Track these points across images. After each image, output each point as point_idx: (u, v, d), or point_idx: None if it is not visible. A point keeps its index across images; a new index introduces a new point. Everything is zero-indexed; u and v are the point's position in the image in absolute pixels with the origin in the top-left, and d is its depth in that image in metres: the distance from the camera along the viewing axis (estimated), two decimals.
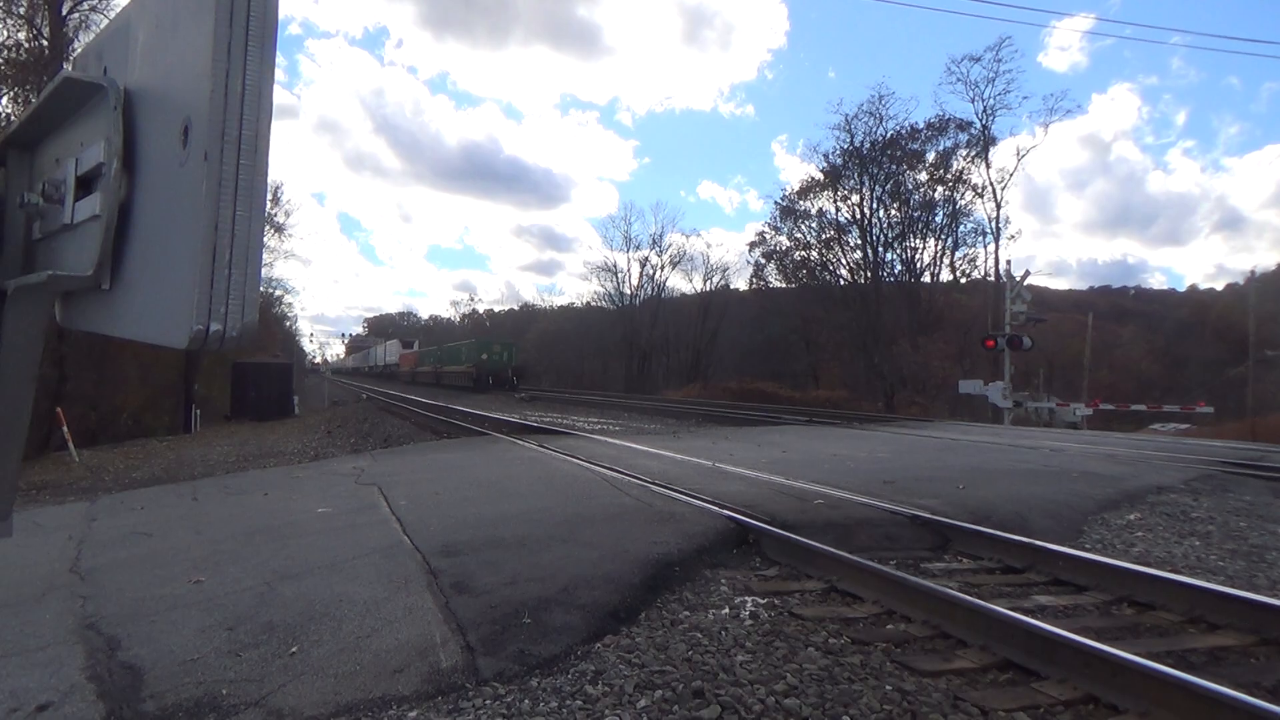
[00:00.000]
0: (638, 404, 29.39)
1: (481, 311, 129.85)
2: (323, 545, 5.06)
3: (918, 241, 40.79)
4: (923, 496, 6.60)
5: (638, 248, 70.53)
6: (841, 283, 43.37)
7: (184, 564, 4.85)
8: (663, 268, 62.47)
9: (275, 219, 44.64)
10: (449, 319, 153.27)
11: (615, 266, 65.05)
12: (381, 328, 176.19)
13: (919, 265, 40.71)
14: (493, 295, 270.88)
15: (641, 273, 61.90)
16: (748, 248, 57.69)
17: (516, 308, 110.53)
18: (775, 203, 49.92)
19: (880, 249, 41.26)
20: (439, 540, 5.03)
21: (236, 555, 4.95)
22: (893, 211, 41.43)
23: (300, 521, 5.93)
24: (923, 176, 40.70)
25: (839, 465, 8.46)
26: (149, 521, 6.40)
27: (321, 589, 4.12)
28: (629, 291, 61.50)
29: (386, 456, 10.77)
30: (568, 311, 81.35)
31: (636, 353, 58.11)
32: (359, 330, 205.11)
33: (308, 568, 4.53)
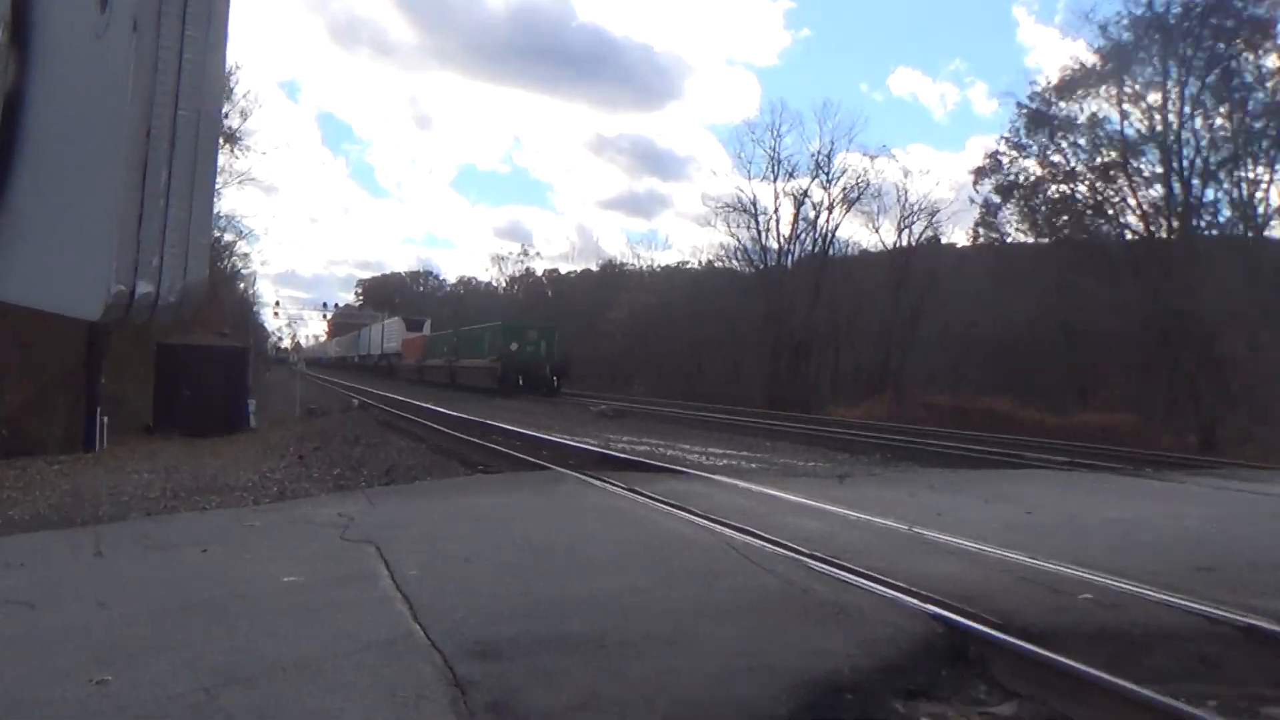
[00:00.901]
0: (787, 427, 28.78)
1: (540, 273, 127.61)
2: (290, 633, 5.08)
3: (1261, 170, 39.41)
4: (1265, 594, 6.36)
5: (791, 174, 69.98)
6: (1128, 236, 42.09)
7: (82, 652, 4.88)
8: (831, 207, 60.23)
9: (227, 123, 45.62)
10: (489, 283, 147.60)
11: (754, 204, 64.17)
12: (384, 295, 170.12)
13: (1264, 210, 39.36)
14: (557, 247, 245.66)
15: (797, 215, 61.64)
16: (972, 177, 57.01)
17: (595, 267, 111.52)
18: (1018, 105, 48.26)
19: (1196, 181, 40.19)
20: (469, 633, 5.06)
21: (160, 643, 4.98)
22: (1218, 121, 40.24)
23: (256, 595, 5.96)
24: (1272, 62, 39.16)
25: (1120, 537, 8.31)
26: (32, 585, 6.46)
27: (288, 702, 4.13)
28: (776, 244, 60.28)
29: (389, 498, 10.74)
30: (676, 276, 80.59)
31: (785, 343, 58.23)
32: (350, 299, 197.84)
33: (266, 667, 4.57)
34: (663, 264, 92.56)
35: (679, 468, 15.63)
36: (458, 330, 72.31)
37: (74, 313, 1.22)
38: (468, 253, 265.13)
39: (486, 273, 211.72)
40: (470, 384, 59.90)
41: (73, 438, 26.71)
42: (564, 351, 56.93)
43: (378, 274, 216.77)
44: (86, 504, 13.60)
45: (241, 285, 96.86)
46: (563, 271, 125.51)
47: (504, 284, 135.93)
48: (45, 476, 17.14)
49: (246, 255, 77.11)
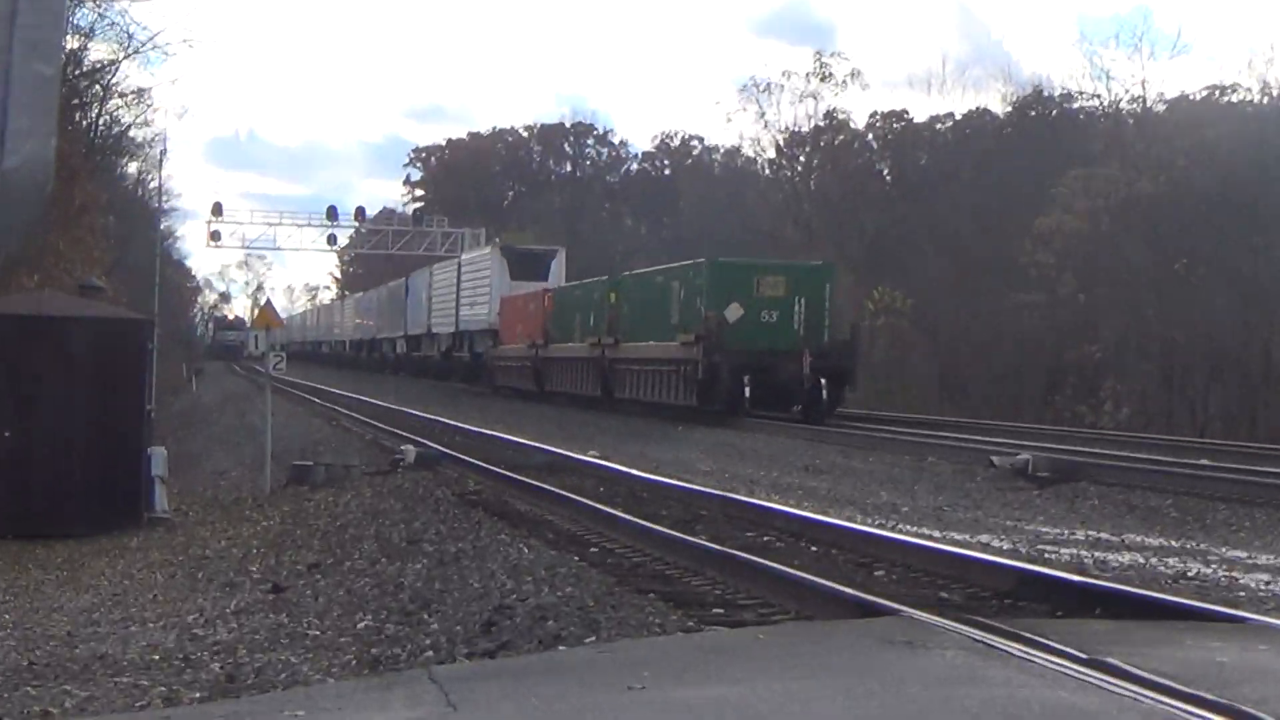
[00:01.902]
0: None
1: (863, 123, 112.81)
2: None
3: None
4: None
5: None
6: None
7: None
8: None
9: None
10: (735, 152, 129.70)
11: None
12: (471, 189, 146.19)
13: None
14: (901, 60, 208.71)
15: None
16: None
17: (1000, 107, 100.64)
18: None
19: None
20: None
21: None
22: None
23: None
24: None
25: None
26: None
27: None
28: None
29: (495, 695, 11.56)
30: (1207, 125, 72.21)
31: None
32: (390, 197, 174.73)
33: None
34: (1169, 94, 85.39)
35: (1217, 607, 14.73)
36: (618, 280, 69.82)
37: None
38: (673, 79, 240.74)
39: (728, 125, 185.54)
40: (641, 394, 61.14)
41: None
42: (847, 322, 58.09)
43: (458, 135, 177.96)
44: None
45: (134, 168, 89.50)
46: (915, 119, 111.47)
47: (771, 155, 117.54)
48: None
49: (142, 95, 73.16)
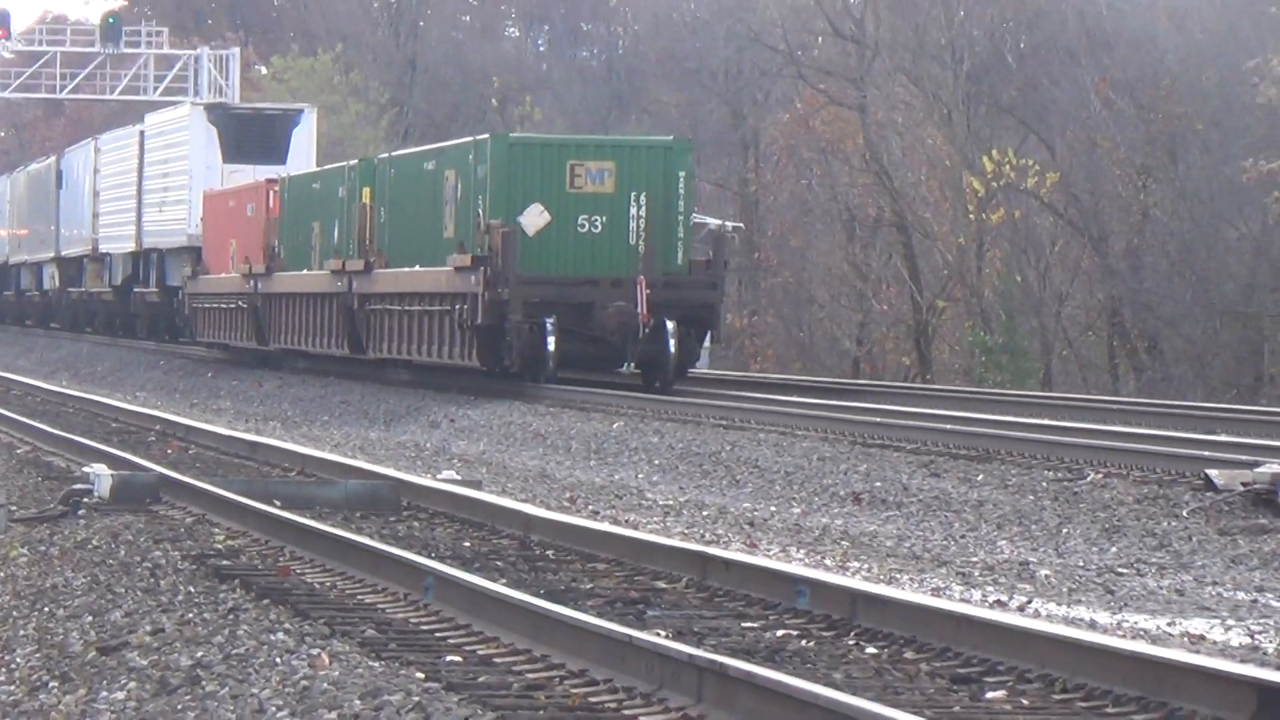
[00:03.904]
0: None
1: None
2: None
3: None
4: None
5: None
6: None
7: None
8: None
9: None
10: None
11: None
12: None
13: None
14: None
15: None
16: None
17: None
18: None
19: None
20: None
21: None
22: None
23: None
24: None
25: None
26: None
27: None
28: None
29: None
30: None
31: None
32: None
33: None
34: None
35: None
36: (373, 166, 54.11)
37: None
38: None
39: None
40: (405, 350, 48.44)
41: None
42: (710, 235, 43.99)
43: None
44: None
45: None
46: None
47: None
48: None
49: None
